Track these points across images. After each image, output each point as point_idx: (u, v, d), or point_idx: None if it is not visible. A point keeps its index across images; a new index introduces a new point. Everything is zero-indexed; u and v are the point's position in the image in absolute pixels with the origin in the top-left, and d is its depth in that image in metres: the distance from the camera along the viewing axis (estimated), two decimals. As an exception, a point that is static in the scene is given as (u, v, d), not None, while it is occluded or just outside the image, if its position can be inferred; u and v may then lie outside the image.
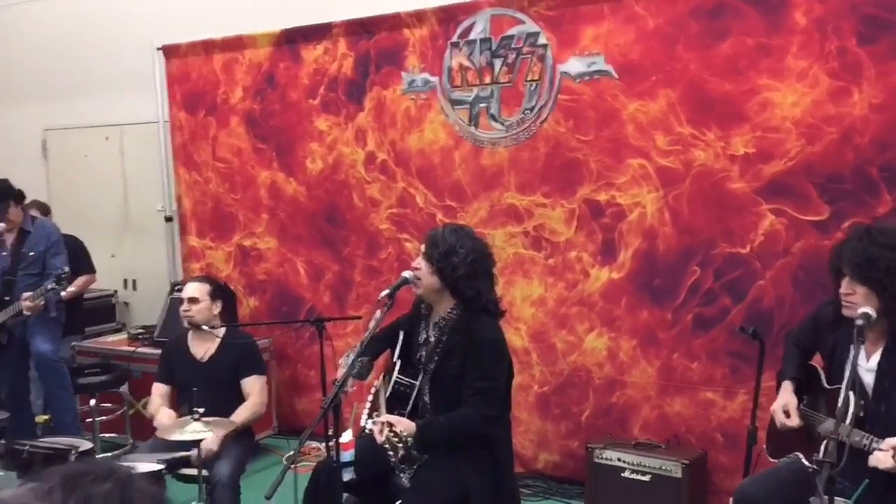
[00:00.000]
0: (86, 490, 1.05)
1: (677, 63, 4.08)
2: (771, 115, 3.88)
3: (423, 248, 3.27)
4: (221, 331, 3.98)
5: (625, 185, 4.28)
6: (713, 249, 4.07)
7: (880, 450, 2.61)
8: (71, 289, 5.52)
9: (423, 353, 3.33)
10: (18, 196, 4.94)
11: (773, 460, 3.14)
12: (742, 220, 3.99)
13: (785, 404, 3.03)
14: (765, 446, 3.23)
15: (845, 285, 2.82)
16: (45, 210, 5.76)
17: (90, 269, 5.74)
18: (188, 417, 3.44)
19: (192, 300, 3.97)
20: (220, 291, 4.09)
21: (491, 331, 3.23)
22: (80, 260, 5.56)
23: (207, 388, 3.69)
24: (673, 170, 4.14)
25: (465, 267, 3.17)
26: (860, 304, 2.77)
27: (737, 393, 4.04)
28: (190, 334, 4.03)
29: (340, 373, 3.26)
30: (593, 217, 4.39)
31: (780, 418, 3.02)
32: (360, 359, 3.25)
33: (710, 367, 4.12)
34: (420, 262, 3.24)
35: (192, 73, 5.74)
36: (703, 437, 4.15)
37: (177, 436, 3.37)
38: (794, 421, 2.99)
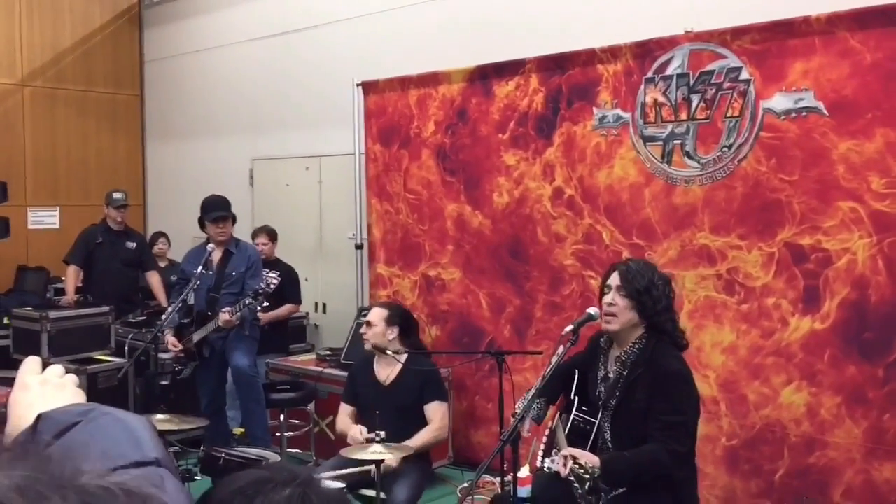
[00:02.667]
0: (267, 497, 1.05)
1: (897, 100, 3.77)
2: None
3: (614, 282, 3.17)
4: (404, 356, 4.07)
5: (833, 230, 3.99)
6: (935, 303, 3.70)
7: None
8: (276, 313, 5.93)
9: (603, 389, 3.25)
10: (234, 217, 5.36)
11: None
12: (970, 273, 3.60)
13: None
14: None
15: None
16: (273, 236, 6.24)
17: (297, 300, 6.17)
18: (370, 435, 3.54)
19: (369, 324, 4.10)
20: (400, 318, 4.18)
21: (678, 362, 3.11)
22: (289, 288, 5.97)
23: (389, 412, 3.78)
24: (889, 214, 3.81)
25: (665, 300, 3.10)
26: None
27: (959, 464, 3.62)
28: (376, 357, 4.15)
29: (519, 405, 3.23)
30: (795, 262, 4.12)
31: None
32: (537, 400, 3.21)
33: (927, 433, 3.72)
34: (616, 298, 3.14)
35: (389, 107, 5.98)
36: (917, 510, 3.75)
37: (359, 455, 3.47)
38: None
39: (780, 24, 4.10)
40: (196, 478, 3.86)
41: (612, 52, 4.78)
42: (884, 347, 3.84)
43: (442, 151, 5.68)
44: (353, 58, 6.58)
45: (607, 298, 3.17)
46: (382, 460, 3.45)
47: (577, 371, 3.39)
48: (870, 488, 3.88)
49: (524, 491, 3.25)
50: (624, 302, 3.13)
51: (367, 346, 4.11)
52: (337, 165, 6.68)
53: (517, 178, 5.28)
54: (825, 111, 3.98)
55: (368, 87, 6.13)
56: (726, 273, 4.36)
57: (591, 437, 3.24)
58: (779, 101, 4.13)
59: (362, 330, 4.14)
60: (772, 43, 4.14)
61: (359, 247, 6.29)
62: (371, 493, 3.59)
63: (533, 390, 3.15)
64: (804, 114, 4.05)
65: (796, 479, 4.11)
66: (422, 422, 4.00)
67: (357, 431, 3.90)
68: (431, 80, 5.72)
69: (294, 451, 5.36)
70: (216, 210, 5.22)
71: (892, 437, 3.82)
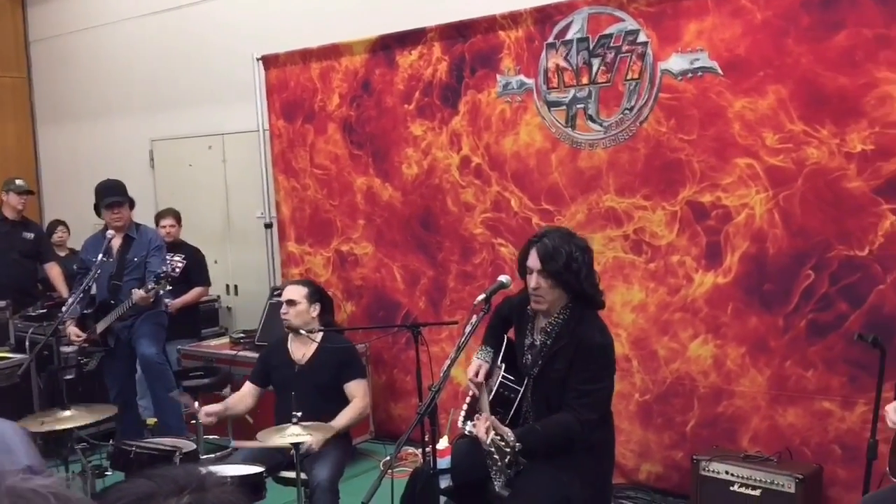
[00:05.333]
0: None
1: (788, 57, 3.88)
2: (891, 109, 3.64)
3: (535, 264, 3.12)
4: (320, 335, 4.01)
5: (731, 186, 4.10)
6: (828, 252, 3.85)
7: None
8: (184, 298, 5.78)
9: (530, 356, 3.27)
10: (131, 202, 5.16)
11: (895, 480, 2.93)
12: (860, 221, 3.76)
13: None
14: (887, 468, 3.01)
15: None
16: (179, 218, 6.04)
17: (205, 282, 6.05)
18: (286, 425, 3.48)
19: (290, 302, 4.02)
20: (319, 294, 4.13)
21: (601, 335, 3.15)
22: (197, 271, 5.83)
23: (306, 392, 3.72)
24: (784, 169, 3.94)
25: (584, 268, 3.11)
26: None
27: (856, 403, 3.80)
28: (290, 337, 4.08)
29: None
30: (697, 219, 4.23)
31: (892, 418, 2.83)
32: (486, 348, 3.35)
33: (826, 376, 3.90)
34: (538, 280, 3.11)
35: (291, 81, 5.84)
36: (819, 449, 3.92)
37: (276, 440, 3.40)
38: None
39: (674, -15, 4.16)
40: (107, 473, 3.72)
41: (513, 18, 4.78)
42: (783, 298, 3.99)
43: (348, 124, 5.59)
44: (252, 31, 6.39)
45: (531, 282, 3.14)
46: (301, 442, 3.40)
47: (505, 337, 3.42)
48: (775, 433, 4.05)
49: (444, 462, 3.26)
50: (548, 283, 3.11)
51: (290, 325, 4.02)
52: (241, 143, 6.50)
53: (425, 149, 5.24)
54: (720, 70, 4.07)
55: (269, 62, 5.97)
56: (633, 233, 4.44)
57: (515, 405, 3.28)
58: (675, 62, 4.20)
59: (283, 310, 4.04)
60: (666, 4, 4.20)
61: (268, 225, 6.16)
62: (291, 474, 3.54)
63: (447, 363, 3.15)
64: (700, 74, 4.14)
65: (706, 429, 4.25)
66: (341, 400, 3.96)
67: (203, 413, 3.83)
68: (333, 52, 5.61)
69: (212, 437, 5.25)
70: (110, 195, 5.04)
71: (793, 383, 3.99)
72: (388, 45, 5.34)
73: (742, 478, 3.80)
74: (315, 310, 4.03)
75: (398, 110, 5.33)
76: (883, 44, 3.64)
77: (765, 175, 4.00)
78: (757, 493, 3.75)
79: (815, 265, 3.89)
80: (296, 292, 4.04)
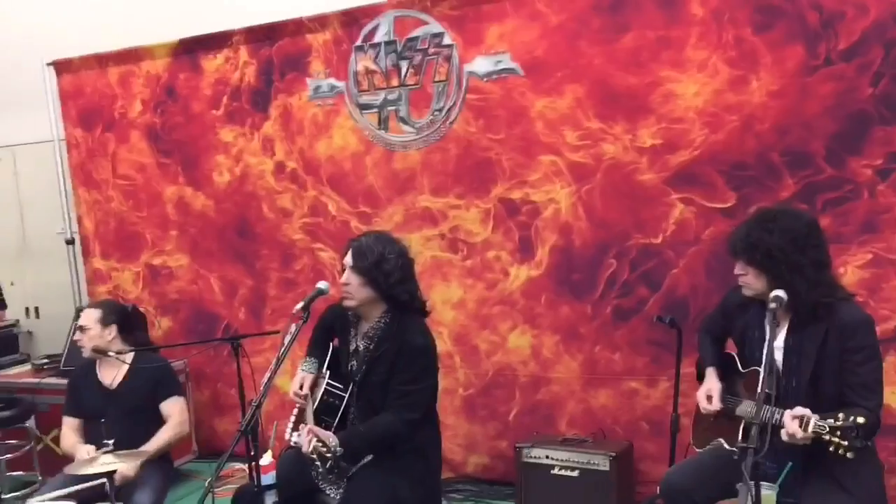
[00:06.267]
0: None
1: (581, 58, 4.10)
2: (674, 105, 3.93)
3: (348, 261, 3.18)
4: (130, 356, 3.80)
5: (538, 182, 4.28)
6: (627, 241, 4.11)
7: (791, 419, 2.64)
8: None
9: (354, 362, 3.27)
10: None
11: (698, 450, 3.17)
12: (653, 211, 4.03)
13: (708, 389, 3.08)
14: (690, 439, 3.26)
15: (738, 266, 2.91)
16: None
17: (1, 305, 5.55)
18: (99, 451, 3.27)
19: (81, 329, 3.80)
20: (114, 315, 3.88)
21: (422, 336, 3.20)
22: None
23: (118, 417, 3.53)
24: (584, 164, 4.16)
25: (398, 272, 3.14)
26: (752, 284, 2.87)
27: (659, 381, 4.08)
28: (98, 361, 3.84)
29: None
30: (509, 216, 4.38)
31: (702, 403, 3.07)
32: (310, 359, 3.30)
33: (631, 358, 4.16)
34: (349, 277, 3.16)
35: (87, 87, 5.50)
36: (629, 427, 4.18)
37: (86, 470, 3.19)
38: (716, 405, 3.03)
39: (475, -11, 4.28)
40: None
41: (320, 21, 4.74)
42: (590, 286, 4.21)
43: (153, 132, 5.34)
44: (41, 34, 5.91)
45: (343, 277, 3.19)
46: (114, 471, 3.20)
47: (331, 344, 3.39)
48: (589, 415, 4.28)
49: (269, 478, 3.19)
50: (357, 279, 3.15)
51: (86, 353, 3.78)
52: (35, 154, 6.04)
53: (237, 155, 5.10)
54: (521, 72, 4.24)
55: (61, 67, 5.59)
56: (449, 232, 4.54)
57: (340, 412, 3.26)
58: (480, 65, 4.33)
59: (76, 336, 3.80)
60: (469, 8, 4.32)
61: (70, 242, 5.75)
62: (107, 505, 3.33)
63: (267, 375, 3.09)
64: (504, 75, 4.28)
65: (527, 416, 4.42)
66: (158, 422, 3.78)
67: (84, 453, 3.58)
68: (132, 56, 5.33)
69: (16, 473, 4.86)
70: None
71: (602, 367, 4.23)
72: (191, 49, 5.14)
73: (561, 460, 3.98)
74: (111, 332, 3.81)
75: (206, 116, 5.15)
76: (664, 45, 3.92)
77: (567, 171, 4.20)
78: (576, 473, 3.94)
79: (617, 254, 4.13)
80: (86, 317, 3.82)
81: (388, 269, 3.13)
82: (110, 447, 3.28)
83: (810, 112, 3.67)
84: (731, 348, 3.18)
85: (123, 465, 3.26)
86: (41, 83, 5.60)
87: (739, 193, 3.84)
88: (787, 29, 3.68)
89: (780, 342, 2.89)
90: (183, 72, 5.18)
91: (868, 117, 3.57)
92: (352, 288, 3.16)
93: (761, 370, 2.65)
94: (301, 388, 3.26)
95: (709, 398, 3.06)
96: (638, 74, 3.98)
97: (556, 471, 3.99)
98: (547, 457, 4.02)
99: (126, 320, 3.93)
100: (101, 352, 3.76)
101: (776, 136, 3.75)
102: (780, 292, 2.76)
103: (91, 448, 3.59)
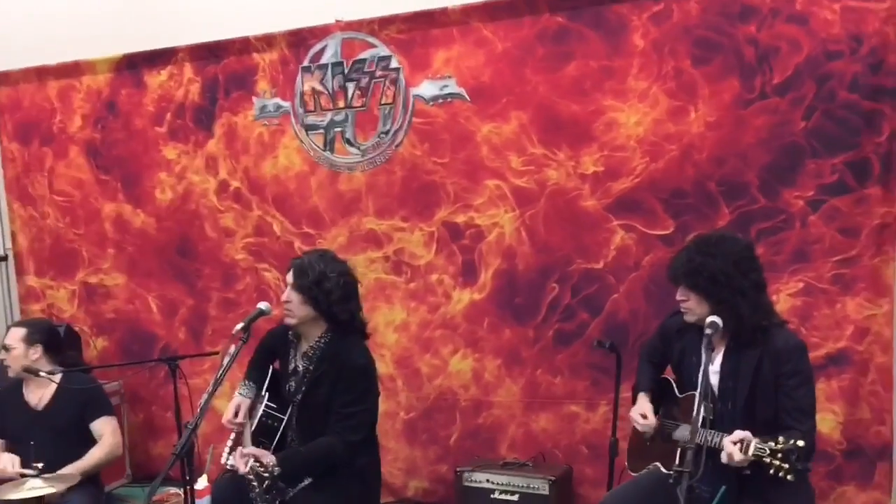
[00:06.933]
0: None
1: (527, 85, 4.15)
2: (616, 134, 4.01)
3: (289, 278, 3.19)
4: (58, 376, 3.70)
5: (482, 206, 4.31)
6: (569, 266, 4.15)
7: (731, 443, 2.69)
8: None
9: (293, 383, 3.24)
10: None
11: (633, 474, 3.21)
12: (595, 237, 4.09)
13: (641, 409, 3.12)
14: (626, 463, 3.30)
15: (680, 293, 2.96)
16: None
17: None
18: (25, 470, 3.17)
19: (5, 348, 3.70)
20: (40, 334, 3.78)
21: (362, 356, 3.20)
22: None
23: (46, 439, 3.43)
24: (528, 189, 4.21)
25: (339, 291, 3.16)
26: (694, 309, 2.92)
27: (598, 405, 4.12)
28: (25, 381, 3.74)
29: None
30: (452, 239, 4.40)
31: (637, 420, 3.11)
32: (247, 383, 3.27)
33: (572, 381, 4.19)
34: (290, 294, 3.17)
35: (24, 100, 5.38)
36: (569, 451, 4.21)
37: (14, 495, 3.09)
38: (651, 420, 3.08)
39: (421, 14, 4.32)
40: None
41: (267, 41, 4.72)
42: (532, 310, 4.25)
43: (93, 148, 5.24)
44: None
45: (284, 295, 3.22)
46: (42, 496, 3.11)
47: (271, 367, 3.36)
48: (530, 438, 4.29)
49: (204, 502, 3.13)
50: (297, 297, 3.17)
51: (12, 373, 3.68)
52: (-33, 168, 5.86)
53: (179, 173, 5.03)
54: (467, 97, 4.28)
55: (-1, 79, 5.46)
56: (393, 254, 4.54)
57: (279, 434, 3.23)
58: (426, 88, 4.36)
59: (1, 355, 3.69)
60: (416, 32, 4.35)
61: (2, 258, 5.60)
62: (32, 533, 3.22)
63: (204, 397, 3.04)
64: (449, 100, 4.32)
65: (468, 440, 4.42)
66: (89, 444, 3.68)
67: (8, 461, 3.48)
68: (73, 70, 5.23)
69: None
70: None
71: (544, 390, 4.25)
72: (134, 64, 5.07)
73: (501, 484, 3.98)
74: (35, 352, 3.72)
75: (149, 133, 5.08)
76: (607, 74, 4.00)
77: (512, 195, 4.24)
78: (515, 497, 3.95)
79: (559, 278, 4.18)
80: (12, 336, 3.75)
81: (329, 288, 3.14)
82: (38, 470, 3.18)
83: (746, 143, 3.77)
84: (671, 374, 3.24)
85: (52, 488, 3.16)
86: (-24, 95, 5.46)
87: (678, 221, 3.92)
88: (724, 62, 3.78)
89: (716, 366, 2.95)
90: (125, 87, 5.11)
91: (800, 150, 3.69)
92: (293, 305, 3.17)
93: (697, 396, 2.69)
94: (236, 414, 3.22)
95: (643, 415, 3.11)
96: (581, 102, 4.05)
97: (496, 495, 3.99)
98: (487, 480, 4.02)
99: (53, 340, 3.83)
100: (31, 371, 3.66)
101: (713, 165, 3.84)
102: (716, 318, 2.83)
103: (15, 458, 3.48)
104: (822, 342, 3.69)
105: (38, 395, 3.69)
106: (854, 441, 3.68)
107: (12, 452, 3.64)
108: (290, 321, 3.21)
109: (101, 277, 5.31)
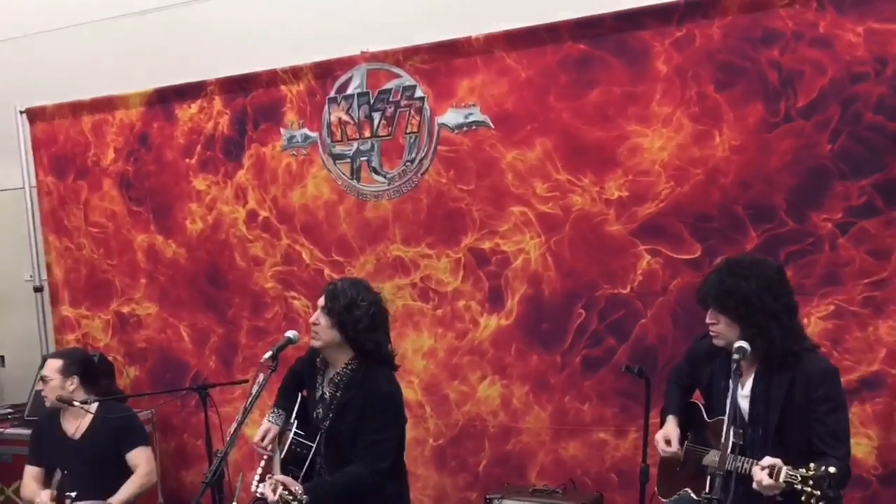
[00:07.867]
0: None
1: (550, 112, 4.18)
2: (641, 159, 4.01)
3: (321, 301, 3.22)
4: (94, 406, 3.76)
5: (508, 233, 4.33)
6: (596, 291, 4.15)
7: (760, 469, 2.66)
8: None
9: (320, 410, 3.27)
10: None
11: (664, 500, 3.18)
12: (621, 262, 4.09)
13: (666, 434, 3.10)
14: (656, 488, 3.27)
15: (709, 316, 2.94)
16: None
17: None
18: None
19: (43, 379, 3.77)
20: (76, 366, 3.85)
21: (388, 384, 3.21)
22: None
23: (80, 469, 3.48)
24: (553, 215, 4.22)
25: (367, 320, 3.18)
26: (724, 333, 2.90)
27: (628, 431, 4.09)
28: (62, 410, 3.80)
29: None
30: (479, 265, 4.41)
31: (661, 447, 3.09)
32: (276, 411, 3.30)
33: (600, 408, 4.16)
34: (319, 317, 3.20)
35: (60, 135, 5.51)
36: (599, 478, 4.17)
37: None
38: (674, 447, 3.05)
39: (445, 44, 4.37)
40: None
41: (294, 73, 4.81)
42: (559, 336, 4.24)
43: (125, 180, 5.35)
44: (15, 82, 5.95)
45: (312, 317, 3.25)
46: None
47: (300, 394, 3.39)
48: (559, 465, 4.27)
49: (234, 529, 3.16)
50: (326, 320, 3.20)
51: (48, 403, 3.74)
52: (5, 202, 6.02)
53: (209, 204, 5.11)
54: (491, 124, 4.32)
55: (34, 115, 5.60)
56: (420, 281, 4.56)
57: (308, 461, 3.25)
58: (451, 117, 4.41)
59: (39, 386, 3.77)
60: (440, 62, 4.41)
61: (38, 289, 5.70)
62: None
63: (234, 425, 3.07)
64: (474, 127, 4.36)
65: (497, 468, 4.40)
66: (124, 474, 3.73)
67: (47, 497, 3.53)
68: (106, 104, 5.36)
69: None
70: None
71: (572, 417, 4.23)
72: (165, 98, 5.19)
73: (531, 512, 3.96)
74: (72, 383, 3.78)
75: (179, 164, 5.17)
76: (630, 100, 4.02)
77: (537, 221, 4.26)
78: (546, 524, 3.92)
79: (586, 304, 4.17)
80: (49, 367, 3.81)
81: (359, 316, 3.16)
82: (72, 499, 3.23)
83: (771, 167, 3.76)
84: (698, 398, 3.21)
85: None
86: (14, 130, 5.60)
87: (704, 245, 3.91)
88: (747, 86, 3.78)
89: (746, 391, 2.93)
90: (157, 120, 5.22)
91: (827, 172, 3.67)
92: (320, 328, 3.20)
93: (725, 420, 2.67)
94: (263, 439, 3.25)
95: (667, 441, 3.08)
96: (605, 128, 4.07)
97: (526, 522, 3.97)
98: (517, 508, 4.00)
99: (89, 370, 3.90)
100: (65, 401, 3.72)
101: (739, 189, 3.83)
102: (744, 343, 2.81)
103: (51, 493, 3.54)
104: (855, 365, 3.65)
105: (75, 424, 3.75)
106: (890, 466, 3.62)
107: (49, 480, 3.69)
108: (316, 344, 3.24)
109: (133, 307, 5.39)
